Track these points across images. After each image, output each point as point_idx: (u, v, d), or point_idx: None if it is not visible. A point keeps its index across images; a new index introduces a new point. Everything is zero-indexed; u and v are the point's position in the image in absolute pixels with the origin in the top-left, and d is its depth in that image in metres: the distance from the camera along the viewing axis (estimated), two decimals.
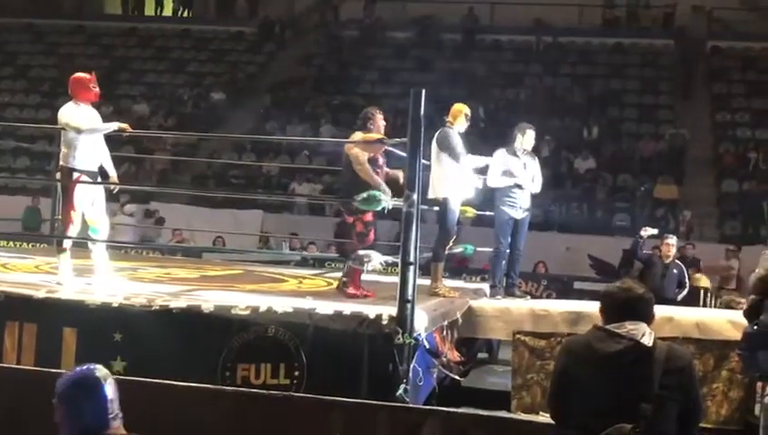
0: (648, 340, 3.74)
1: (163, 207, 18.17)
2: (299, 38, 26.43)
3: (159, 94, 24.24)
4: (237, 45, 26.81)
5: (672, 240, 11.22)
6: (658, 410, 3.63)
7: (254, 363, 6.52)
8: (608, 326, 3.81)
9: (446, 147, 8.33)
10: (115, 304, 6.77)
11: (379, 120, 7.62)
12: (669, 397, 3.68)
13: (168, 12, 28.27)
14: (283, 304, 6.83)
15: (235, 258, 12.67)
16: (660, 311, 8.78)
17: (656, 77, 23.66)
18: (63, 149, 7.59)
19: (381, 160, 7.58)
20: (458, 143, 8.39)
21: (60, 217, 8.26)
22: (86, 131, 7.48)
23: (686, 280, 11.29)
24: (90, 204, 7.54)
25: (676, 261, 11.41)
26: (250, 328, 6.59)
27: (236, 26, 27.21)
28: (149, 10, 28.18)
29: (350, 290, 7.59)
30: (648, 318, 3.83)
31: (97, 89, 7.75)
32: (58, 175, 7.83)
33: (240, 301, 6.90)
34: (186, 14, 28.33)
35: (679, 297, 10.99)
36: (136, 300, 6.85)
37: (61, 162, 7.64)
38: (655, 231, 11.16)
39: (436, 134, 8.41)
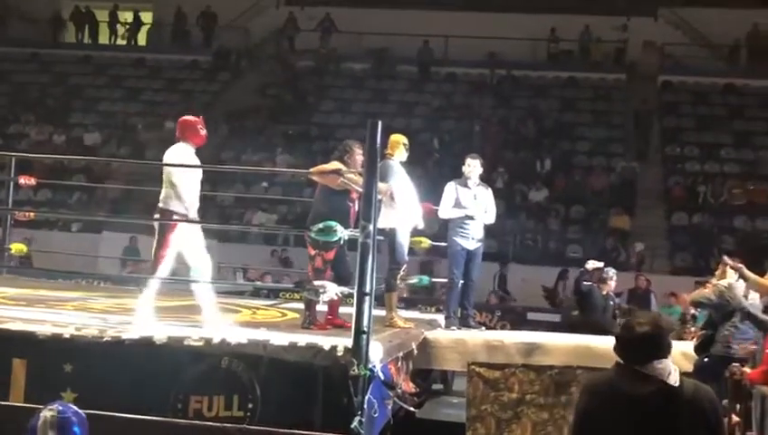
0: (674, 379, 3.64)
1: (115, 237, 17.97)
2: (254, 67, 26.47)
3: (112, 123, 24.04)
4: (192, 74, 26.73)
5: (612, 273, 11.35)
6: None
7: (207, 395, 6.44)
8: (632, 365, 3.69)
9: (382, 178, 8.30)
10: (66, 336, 6.64)
11: (357, 155, 7.54)
12: None
13: (122, 40, 28.11)
14: (237, 336, 6.75)
15: (187, 289, 12.51)
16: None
17: (607, 111, 24.01)
18: (164, 191, 7.43)
19: (355, 195, 7.54)
20: (394, 175, 8.39)
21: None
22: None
23: (617, 312, 11.37)
24: (187, 246, 7.39)
25: (612, 293, 11.53)
26: (203, 360, 6.51)
27: (191, 55, 27.15)
28: (103, 38, 28.02)
29: (315, 327, 7.56)
30: (665, 353, 3.71)
31: (204, 132, 7.63)
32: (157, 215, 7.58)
33: (193, 332, 6.82)
34: (140, 43, 28.20)
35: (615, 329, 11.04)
36: (87, 331, 6.73)
37: (160, 204, 7.47)
38: (600, 264, 11.28)
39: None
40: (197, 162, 7.60)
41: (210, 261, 7.45)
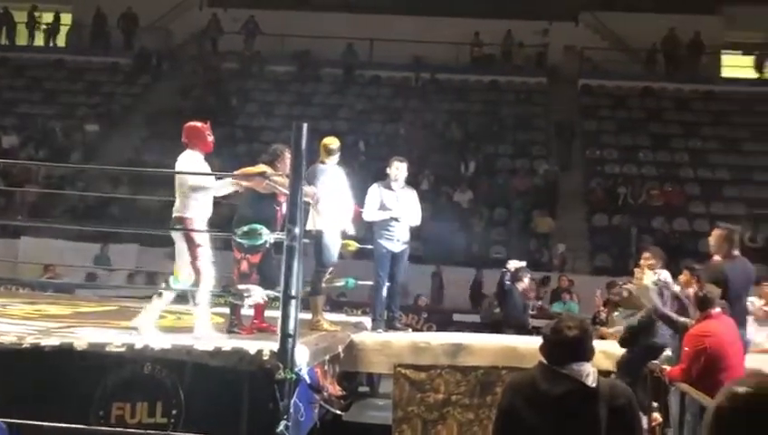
0: (592, 380, 3.74)
1: (34, 242, 17.57)
2: (176, 69, 26.14)
3: (31, 125, 23.51)
4: (113, 76, 26.30)
5: (526, 272, 11.50)
6: None
7: (130, 402, 6.33)
8: (553, 366, 3.79)
9: (310, 181, 8.26)
10: None
11: (287, 159, 7.40)
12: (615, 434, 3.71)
13: (40, 42, 27.51)
14: (160, 341, 6.66)
15: (109, 294, 12.33)
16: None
17: (530, 114, 24.34)
18: (179, 200, 7.27)
19: (282, 198, 7.48)
20: (320, 178, 8.37)
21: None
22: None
23: (533, 310, 11.53)
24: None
25: (529, 292, 11.70)
26: (125, 366, 6.40)
27: (112, 57, 26.71)
28: (21, 39, 27.38)
29: (241, 331, 7.49)
30: (588, 356, 3.82)
31: (212, 138, 7.45)
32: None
33: (115, 338, 6.70)
34: (59, 44, 27.63)
35: (531, 326, 11.20)
36: (5, 338, 6.57)
37: (177, 213, 7.29)
38: (522, 264, 11.43)
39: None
40: (208, 170, 7.47)
41: (214, 273, 7.27)
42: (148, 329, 7.10)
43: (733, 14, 25.61)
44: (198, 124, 7.52)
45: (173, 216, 7.34)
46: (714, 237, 8.09)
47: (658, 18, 24.91)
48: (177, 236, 7.28)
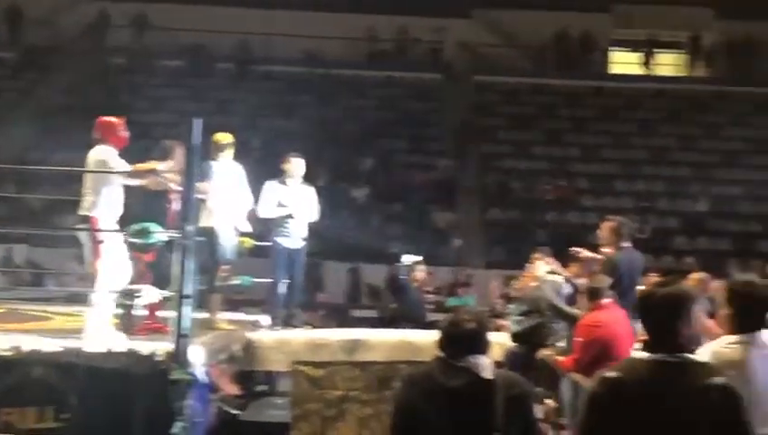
0: (488, 373, 3.78)
1: None
2: (64, 65, 25.39)
3: None
4: None
5: (421, 266, 11.58)
6: None
7: (19, 407, 6.14)
8: (450, 359, 3.81)
9: (203, 178, 8.12)
10: None
11: (180, 156, 7.26)
12: (511, 426, 3.74)
13: None
14: (50, 344, 6.47)
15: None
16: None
17: (426, 109, 24.51)
18: (88, 198, 6.98)
19: (174, 195, 7.33)
20: (213, 174, 8.27)
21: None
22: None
23: (429, 304, 11.62)
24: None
25: (424, 286, 11.80)
26: (13, 370, 6.20)
27: None
28: None
29: (135, 332, 7.33)
30: (484, 349, 3.86)
31: (127, 133, 7.25)
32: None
33: (1, 341, 6.48)
34: None
35: (428, 320, 11.28)
36: None
37: (84, 211, 7.00)
38: (418, 258, 11.51)
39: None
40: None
41: (129, 273, 7.08)
42: (102, 335, 6.81)
43: (621, 11, 26.33)
44: (112, 119, 7.36)
45: (79, 214, 7.11)
46: (603, 229, 8.31)
47: (550, 15, 25.38)
48: (83, 236, 7.07)
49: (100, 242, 6.92)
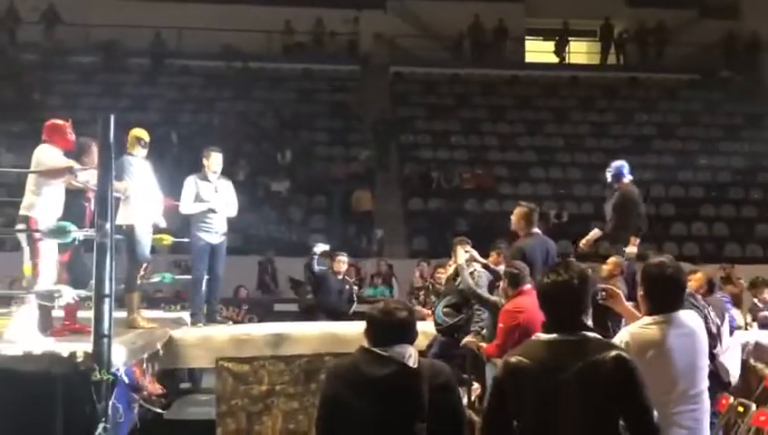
0: (413, 361, 3.81)
1: None
2: None
3: None
4: None
5: (343, 257, 11.62)
6: (430, 425, 3.75)
7: None
8: (375, 349, 3.84)
9: (118, 175, 8.01)
10: None
11: (95, 153, 7.13)
12: (438, 413, 3.79)
13: None
14: None
15: None
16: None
17: (344, 101, 24.49)
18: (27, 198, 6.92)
19: (90, 194, 7.23)
20: (130, 171, 8.16)
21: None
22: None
23: (354, 295, 11.67)
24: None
25: (347, 277, 11.84)
26: None
27: None
28: None
29: (51, 334, 7.19)
30: (412, 339, 3.91)
31: (73, 136, 7.22)
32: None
33: None
34: None
35: (350, 311, 11.31)
36: None
37: (23, 211, 6.96)
38: (326, 247, 11.52)
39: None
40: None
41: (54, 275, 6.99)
42: (26, 337, 6.66)
43: (535, 1, 26.68)
44: (59, 122, 7.40)
45: (19, 214, 7.09)
46: (514, 216, 8.46)
47: (464, 6, 25.60)
48: (21, 236, 7.05)
49: (40, 243, 6.85)
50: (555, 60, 27.01)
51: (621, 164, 10.14)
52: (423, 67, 25.62)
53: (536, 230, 8.38)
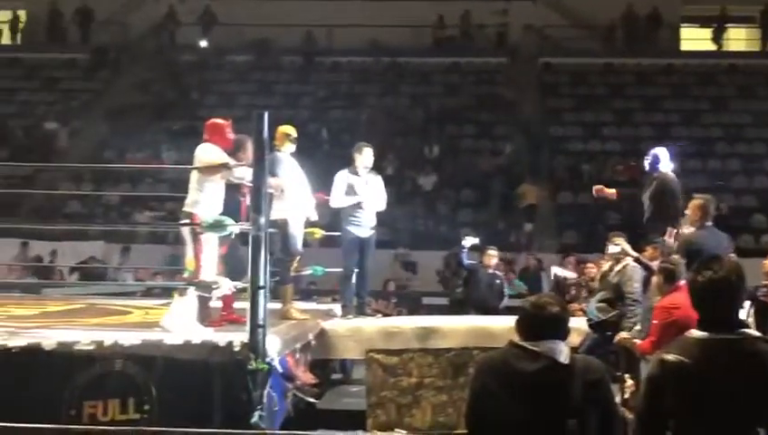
0: (564, 357, 3.73)
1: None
2: (135, 64, 25.84)
3: None
4: (70, 73, 25.96)
5: (493, 251, 11.48)
6: (582, 424, 3.65)
7: (102, 400, 6.30)
8: (525, 344, 3.77)
9: (271, 171, 8.21)
10: None
11: (250, 150, 7.32)
12: (590, 410, 3.69)
13: None
14: (130, 337, 6.62)
15: (76, 292, 12.21)
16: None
17: (491, 94, 24.33)
18: (191, 195, 7.30)
19: (246, 189, 7.45)
20: (281, 167, 8.34)
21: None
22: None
23: (505, 290, 11.54)
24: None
25: (497, 271, 11.72)
26: (95, 364, 6.36)
27: (68, 53, 26.33)
28: None
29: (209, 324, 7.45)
30: (564, 335, 3.82)
31: (233, 135, 7.60)
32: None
33: (84, 336, 6.65)
34: (14, 42, 27.19)
35: (501, 305, 11.21)
36: None
37: (186, 208, 7.33)
38: (476, 240, 11.44)
39: None
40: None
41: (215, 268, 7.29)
42: (184, 327, 6.94)
43: None
44: (219, 121, 7.66)
45: (183, 210, 7.37)
46: (690, 208, 8.15)
47: None
48: (185, 231, 7.31)
49: (200, 236, 7.09)
50: (712, 47, 26.03)
51: (658, 151, 9.60)
52: (573, 57, 25.16)
53: (710, 223, 8.10)
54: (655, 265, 8.02)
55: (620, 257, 8.55)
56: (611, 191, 9.94)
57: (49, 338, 6.62)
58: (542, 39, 25.59)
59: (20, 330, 7.19)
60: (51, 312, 9.24)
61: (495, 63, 25.41)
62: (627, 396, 7.73)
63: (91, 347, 6.42)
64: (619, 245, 8.51)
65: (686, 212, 8.24)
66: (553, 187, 21.06)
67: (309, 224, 8.90)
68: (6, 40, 27.02)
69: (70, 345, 6.45)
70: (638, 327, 7.92)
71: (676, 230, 8.86)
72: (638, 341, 7.52)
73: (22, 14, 27.38)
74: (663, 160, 9.44)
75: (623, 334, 7.93)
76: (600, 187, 9.93)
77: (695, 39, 26.70)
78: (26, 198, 19.79)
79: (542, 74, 25.23)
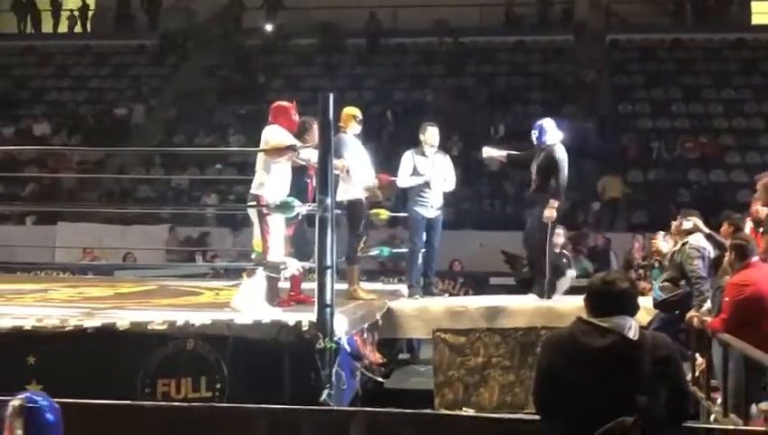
0: (633, 333, 3.72)
1: (71, 228, 17.72)
2: (202, 49, 26.14)
3: (61, 112, 23.68)
4: (139, 59, 26.36)
5: (560, 230, 11.40)
6: (652, 399, 3.64)
7: (174, 378, 6.45)
8: (593, 320, 3.77)
9: (337, 153, 8.23)
10: (27, 328, 6.59)
11: (316, 132, 7.33)
12: (660, 386, 3.68)
13: (64, 28, 27.60)
14: (201, 317, 6.75)
15: (148, 274, 12.47)
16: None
17: (557, 72, 24.07)
18: (258, 176, 7.43)
19: (313, 171, 7.52)
20: (347, 148, 8.37)
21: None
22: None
23: (569, 269, 11.44)
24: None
25: (564, 251, 11.62)
26: (168, 343, 6.51)
27: (137, 40, 26.75)
28: (47, 27, 27.49)
29: (278, 304, 7.55)
30: (633, 311, 3.81)
31: (297, 117, 7.72)
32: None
33: (156, 316, 6.80)
34: (84, 30, 27.71)
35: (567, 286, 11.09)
36: (48, 322, 6.68)
37: (253, 190, 7.45)
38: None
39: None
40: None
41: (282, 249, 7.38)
42: (254, 307, 7.05)
43: None
44: (285, 103, 7.74)
45: (250, 192, 7.46)
46: (759, 187, 7.98)
47: None
48: (252, 213, 7.40)
49: (267, 217, 7.17)
50: None
51: (543, 122, 9.35)
52: (641, 33, 24.73)
53: None
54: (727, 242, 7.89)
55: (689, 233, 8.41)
56: (501, 154, 9.80)
57: (123, 318, 6.78)
58: (609, 15, 25.20)
59: (95, 311, 7.39)
60: (124, 293, 9.46)
61: (561, 41, 25.10)
62: (697, 374, 7.64)
63: (163, 327, 6.56)
64: (691, 221, 8.39)
65: (757, 190, 8.06)
66: (623, 165, 20.77)
67: (374, 205, 8.94)
68: (77, 28, 27.49)
69: (143, 325, 6.60)
70: (708, 305, 7.81)
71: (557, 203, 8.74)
72: (708, 319, 7.42)
73: (91, 2, 27.85)
74: (550, 132, 9.29)
75: (693, 313, 7.83)
76: (488, 148, 9.80)
77: (766, 12, 26.02)
78: (99, 182, 20.21)
79: (610, 51, 24.87)
